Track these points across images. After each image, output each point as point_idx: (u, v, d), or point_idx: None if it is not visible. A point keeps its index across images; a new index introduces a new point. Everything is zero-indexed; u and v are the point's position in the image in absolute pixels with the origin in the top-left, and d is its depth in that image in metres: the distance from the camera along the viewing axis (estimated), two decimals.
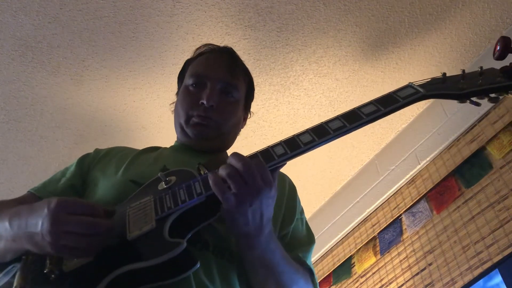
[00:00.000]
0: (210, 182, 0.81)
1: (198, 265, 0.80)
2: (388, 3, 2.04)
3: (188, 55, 2.29)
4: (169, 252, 0.77)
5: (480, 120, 2.09)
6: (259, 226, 0.85)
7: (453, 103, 2.30)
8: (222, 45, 1.25)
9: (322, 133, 0.87)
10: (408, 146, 2.44)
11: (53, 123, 2.38)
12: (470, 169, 2.02)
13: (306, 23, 2.09)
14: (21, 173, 2.56)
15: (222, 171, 0.80)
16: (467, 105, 2.39)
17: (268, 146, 0.89)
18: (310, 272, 1.04)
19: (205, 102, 1.07)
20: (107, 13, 1.99)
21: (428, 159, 2.27)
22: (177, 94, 1.22)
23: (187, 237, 0.85)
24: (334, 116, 0.90)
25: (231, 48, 1.23)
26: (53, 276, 0.80)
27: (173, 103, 1.24)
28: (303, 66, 2.25)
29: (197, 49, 1.23)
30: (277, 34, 2.12)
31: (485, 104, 2.19)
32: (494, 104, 2.03)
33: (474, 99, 0.90)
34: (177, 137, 1.19)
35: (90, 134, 2.45)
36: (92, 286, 0.77)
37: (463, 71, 0.92)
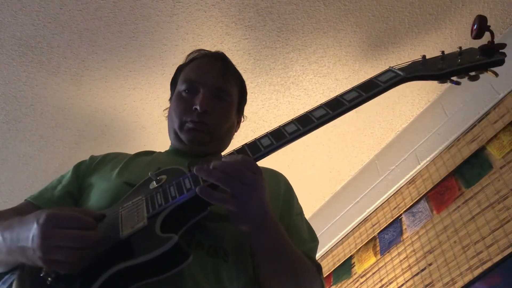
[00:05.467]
0: (205, 195, 0.82)
1: (191, 258, 0.81)
2: (388, 3, 2.04)
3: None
4: (161, 246, 0.78)
5: (480, 120, 2.09)
6: (265, 211, 0.87)
7: (453, 103, 2.31)
8: (214, 49, 1.27)
9: (306, 122, 0.90)
10: (408, 146, 2.44)
11: (53, 123, 2.38)
12: (470, 169, 2.02)
13: (306, 23, 2.09)
14: (21, 173, 2.56)
15: (214, 180, 0.82)
16: (467, 105, 2.39)
17: (255, 139, 0.92)
18: (317, 267, 1.04)
19: (198, 108, 1.08)
20: (107, 13, 1.99)
21: (428, 159, 2.27)
22: (170, 100, 1.24)
23: (180, 232, 0.85)
24: (317, 105, 0.93)
25: (223, 53, 1.24)
26: (49, 279, 0.81)
27: (166, 109, 1.25)
28: (303, 66, 2.25)
29: (189, 55, 1.24)
30: (277, 34, 2.12)
31: (485, 104, 2.20)
32: (493, 104, 2.04)
33: (454, 78, 0.92)
34: (171, 143, 1.20)
35: (90, 134, 2.45)
36: (87, 286, 0.78)
37: (443, 52, 0.94)
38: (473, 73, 0.90)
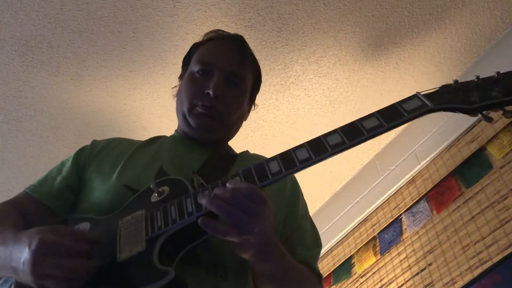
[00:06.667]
0: (208, 227, 0.78)
1: None
2: (388, 3, 2.04)
3: None
4: (157, 281, 0.76)
5: (480, 120, 2.08)
6: (267, 242, 0.83)
7: None
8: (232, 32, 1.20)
9: (320, 150, 0.83)
10: (408, 146, 2.44)
11: (53, 123, 2.38)
12: (470, 169, 2.02)
13: (306, 23, 2.09)
14: (21, 173, 2.56)
15: (215, 209, 0.78)
16: None
17: (264, 161, 0.85)
18: (319, 277, 1.02)
19: (211, 92, 1.02)
20: (107, 13, 1.99)
21: (428, 159, 2.27)
22: (179, 78, 1.17)
23: (177, 259, 0.83)
24: (333, 129, 0.85)
25: (242, 36, 1.17)
26: None
27: (175, 87, 1.19)
28: (303, 66, 2.25)
29: (206, 34, 1.17)
30: (277, 34, 2.12)
31: None
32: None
33: (486, 113, 0.81)
34: (178, 125, 1.14)
35: (90, 134, 2.44)
36: None
37: (477, 77, 0.82)
38: (509, 108, 0.78)
